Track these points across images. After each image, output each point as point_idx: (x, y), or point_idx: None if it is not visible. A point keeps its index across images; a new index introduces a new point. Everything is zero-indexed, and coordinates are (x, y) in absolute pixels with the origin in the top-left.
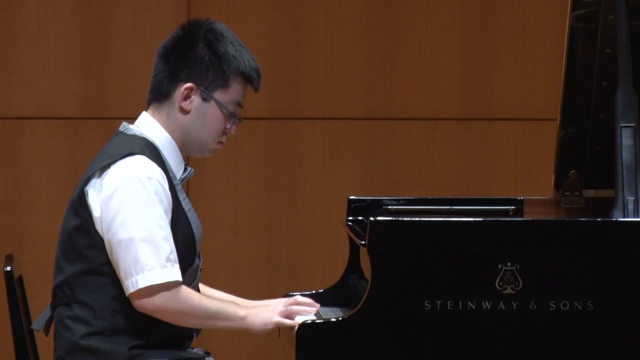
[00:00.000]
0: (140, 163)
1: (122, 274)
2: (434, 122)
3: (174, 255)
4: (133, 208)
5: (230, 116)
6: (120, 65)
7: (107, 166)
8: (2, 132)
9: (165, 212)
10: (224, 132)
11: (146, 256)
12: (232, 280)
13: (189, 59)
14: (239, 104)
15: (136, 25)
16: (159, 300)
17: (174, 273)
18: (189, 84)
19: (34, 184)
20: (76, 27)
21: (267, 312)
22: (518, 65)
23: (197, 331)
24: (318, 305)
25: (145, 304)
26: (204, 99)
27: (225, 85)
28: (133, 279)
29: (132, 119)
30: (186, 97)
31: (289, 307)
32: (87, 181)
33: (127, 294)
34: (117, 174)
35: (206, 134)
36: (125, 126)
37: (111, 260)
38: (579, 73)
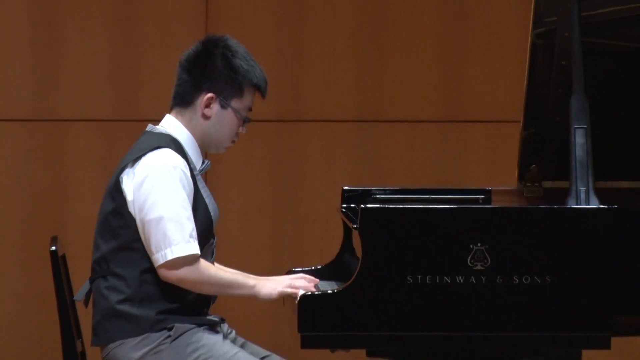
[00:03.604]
0: (167, 155)
1: (152, 248)
2: (416, 124)
3: (195, 233)
4: (161, 192)
5: (243, 120)
6: (148, 75)
7: (139, 157)
8: (49, 132)
9: (188, 196)
10: (237, 133)
11: (173, 233)
12: (243, 259)
13: (210, 72)
14: (249, 109)
15: (161, 41)
16: (182, 272)
17: (195, 247)
18: (210, 94)
19: (75, 176)
20: (110, 43)
21: (273, 282)
22: (488, 75)
23: (214, 299)
24: (317, 280)
25: (171, 275)
26: (222, 107)
27: (240, 94)
28: (162, 252)
29: (158, 121)
30: (207, 105)
31: (293, 282)
32: (121, 170)
33: (156, 265)
34: (147, 163)
35: (223, 135)
36: (151, 127)
37: (142, 237)
38: (539, 82)
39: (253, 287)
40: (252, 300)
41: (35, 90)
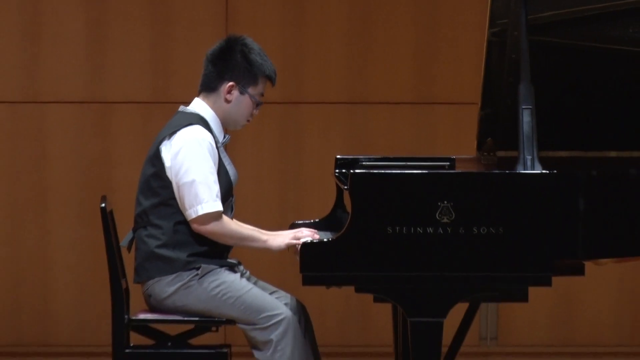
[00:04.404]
0: (197, 130)
1: (186, 205)
2: (395, 105)
3: (219, 193)
4: (193, 160)
5: (257, 104)
6: (179, 66)
7: (174, 132)
8: (99, 112)
9: (214, 163)
10: (251, 114)
11: (203, 193)
12: (256, 215)
13: (232, 65)
14: (261, 94)
15: (189, 38)
16: (210, 226)
17: (220, 205)
18: (231, 83)
19: (120, 147)
20: (149, 39)
21: (281, 237)
22: (453, 66)
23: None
24: (315, 232)
25: (201, 228)
26: (241, 93)
27: (255, 83)
28: (194, 209)
29: (187, 103)
30: (229, 92)
31: (296, 235)
32: (160, 142)
33: (189, 219)
34: (182, 137)
35: (240, 115)
36: (183, 108)
37: (177, 196)
38: (494, 71)
39: (266, 241)
40: (264, 249)
41: (88, 78)
